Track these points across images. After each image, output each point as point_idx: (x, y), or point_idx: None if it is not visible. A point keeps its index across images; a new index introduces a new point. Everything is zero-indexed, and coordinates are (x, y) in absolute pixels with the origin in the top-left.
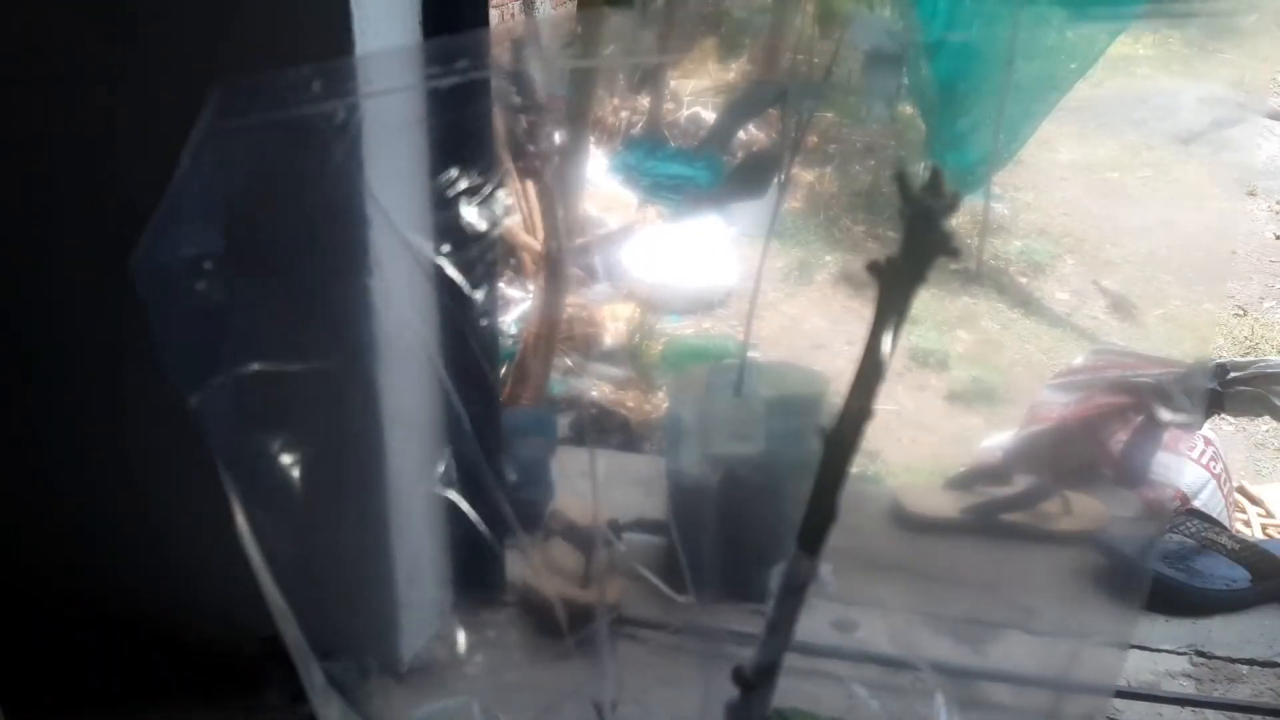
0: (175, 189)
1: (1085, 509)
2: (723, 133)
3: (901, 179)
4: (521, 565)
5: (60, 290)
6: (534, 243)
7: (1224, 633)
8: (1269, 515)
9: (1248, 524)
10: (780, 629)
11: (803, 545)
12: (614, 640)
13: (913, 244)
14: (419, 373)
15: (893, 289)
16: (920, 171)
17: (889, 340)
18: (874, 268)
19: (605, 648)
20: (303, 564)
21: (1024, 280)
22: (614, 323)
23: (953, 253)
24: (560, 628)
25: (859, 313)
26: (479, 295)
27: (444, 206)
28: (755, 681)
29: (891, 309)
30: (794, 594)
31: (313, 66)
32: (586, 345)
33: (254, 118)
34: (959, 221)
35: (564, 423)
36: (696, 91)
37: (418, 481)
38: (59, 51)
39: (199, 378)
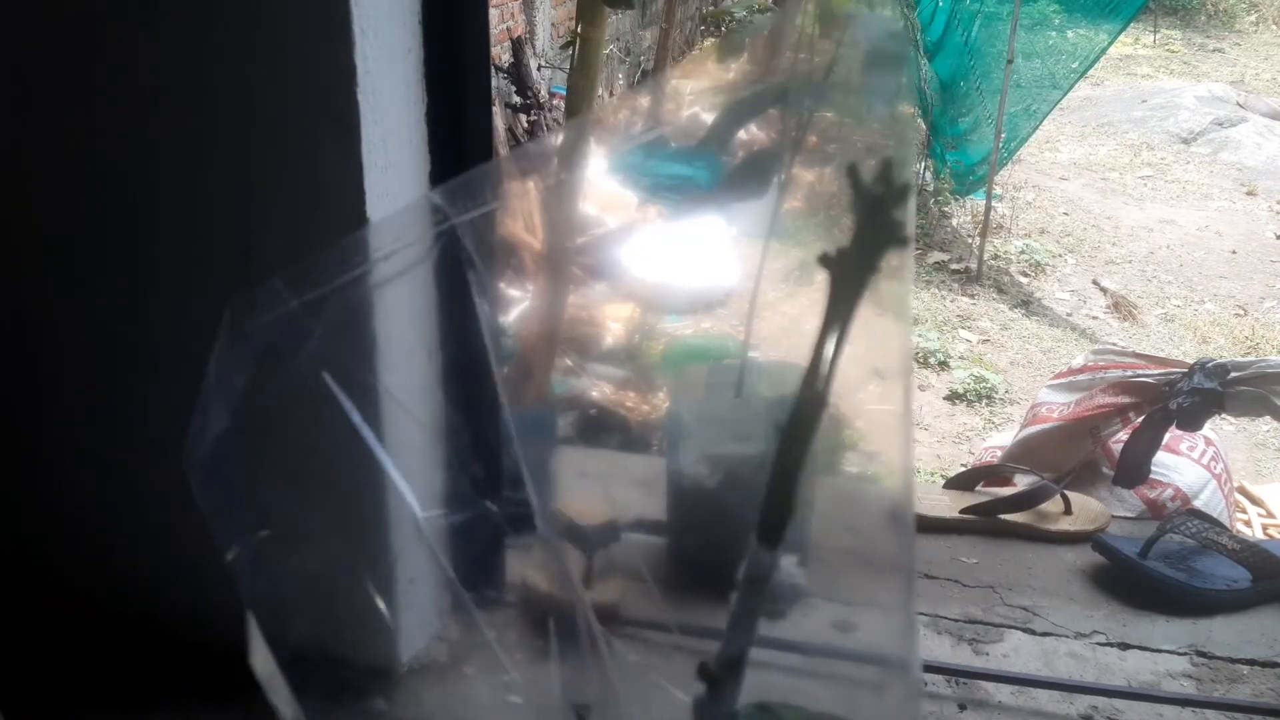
0: (205, 397)
1: (1085, 509)
2: (723, 133)
3: (852, 169)
4: (521, 565)
5: (74, 287)
6: (534, 243)
7: (1224, 633)
8: (1269, 515)
9: (1248, 524)
10: (743, 622)
11: (761, 538)
12: (613, 640)
13: (864, 234)
14: (418, 373)
15: (844, 280)
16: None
17: (840, 332)
18: (825, 259)
19: (605, 648)
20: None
21: (1024, 280)
22: (614, 323)
23: (903, 242)
24: (560, 628)
25: (860, 313)
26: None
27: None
28: (720, 675)
29: (843, 300)
30: (755, 587)
31: (325, 252)
32: (586, 345)
33: (267, 318)
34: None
35: (564, 423)
36: (696, 91)
37: (418, 481)
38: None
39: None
